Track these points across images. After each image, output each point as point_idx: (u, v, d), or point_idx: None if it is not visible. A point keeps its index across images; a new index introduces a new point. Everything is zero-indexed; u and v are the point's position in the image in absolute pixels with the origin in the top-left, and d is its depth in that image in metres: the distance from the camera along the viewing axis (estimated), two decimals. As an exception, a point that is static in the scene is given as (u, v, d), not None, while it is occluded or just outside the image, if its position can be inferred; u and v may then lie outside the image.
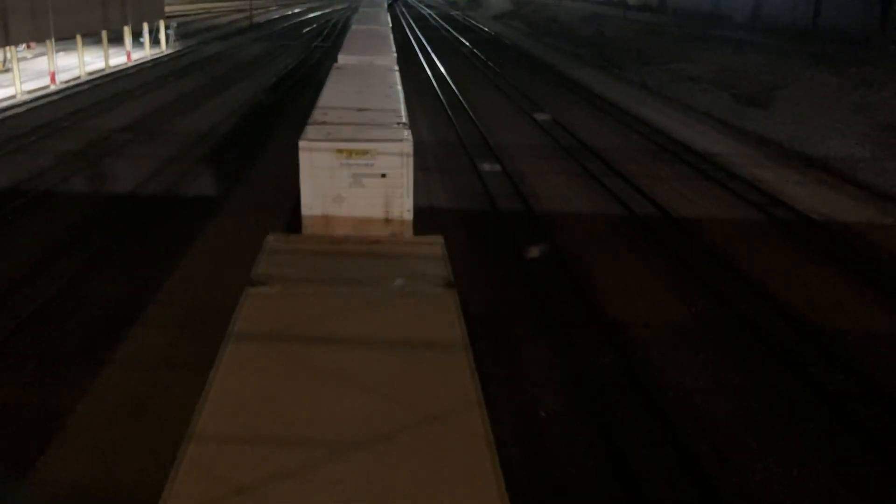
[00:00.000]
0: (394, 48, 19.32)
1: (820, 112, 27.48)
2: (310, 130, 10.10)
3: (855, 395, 10.78)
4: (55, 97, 30.84)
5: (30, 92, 31.05)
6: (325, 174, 9.65)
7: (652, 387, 10.84)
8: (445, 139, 25.87)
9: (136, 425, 9.60)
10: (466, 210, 18.59)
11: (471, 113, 29.96)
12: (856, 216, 18.74)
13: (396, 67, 15.01)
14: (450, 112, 30.12)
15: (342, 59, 16.09)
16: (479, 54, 50.50)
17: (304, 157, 9.61)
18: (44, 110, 28.29)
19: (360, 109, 11.16)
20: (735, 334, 12.58)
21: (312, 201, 9.65)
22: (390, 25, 31.35)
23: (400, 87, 12.67)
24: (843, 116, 26.45)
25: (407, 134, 9.76)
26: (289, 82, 37.05)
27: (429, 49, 52.55)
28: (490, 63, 45.85)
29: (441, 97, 33.58)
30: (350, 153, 9.22)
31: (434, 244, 8.18)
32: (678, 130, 27.98)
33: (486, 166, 22.20)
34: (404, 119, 10.54)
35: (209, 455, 4.35)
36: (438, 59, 47.10)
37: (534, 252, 15.76)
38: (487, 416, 4.96)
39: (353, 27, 28.00)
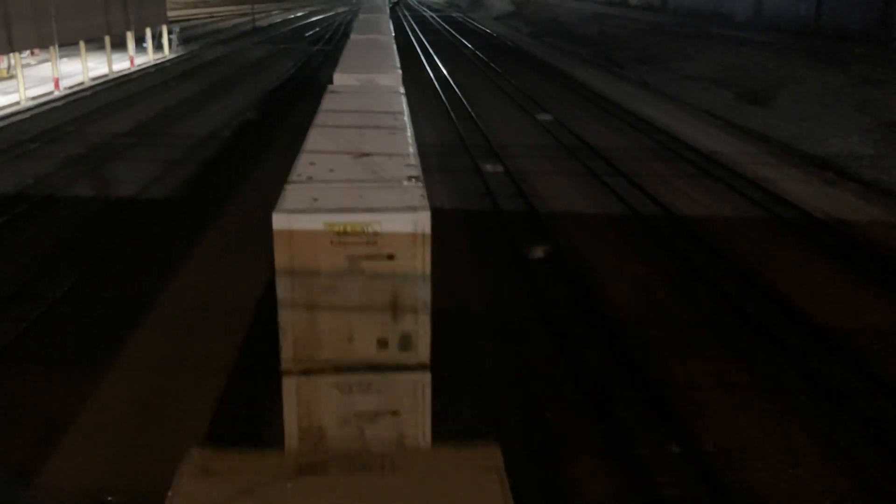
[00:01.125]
0: (398, 63, 17.05)
1: (822, 109, 27.46)
2: (290, 194, 6.97)
3: (861, 392, 10.78)
4: (59, 103, 30.96)
5: (34, 98, 31.17)
6: (308, 256, 6.64)
7: (656, 383, 10.86)
8: (447, 139, 25.92)
9: (142, 429, 9.64)
10: (469, 210, 18.63)
11: (472, 113, 30.00)
12: (859, 214, 18.73)
13: (402, 89, 12.72)
14: (451, 112, 30.17)
15: (338, 78, 13.94)
16: (480, 55, 50.53)
17: (280, 237, 6.53)
18: (48, 116, 28.40)
19: (358, 155, 8.30)
20: (739, 332, 12.59)
21: (292, 295, 6.62)
22: (393, 34, 28.40)
23: (408, 118, 10.28)
24: (846, 114, 26.42)
25: (422, 197, 6.88)
26: (291, 86, 37.14)
27: (430, 50, 52.61)
28: (492, 63, 45.88)
29: (443, 97, 33.63)
30: (344, 229, 6.69)
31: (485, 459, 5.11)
32: (680, 129, 27.98)
33: (489, 166, 22.24)
34: (417, 171, 7.68)
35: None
36: (440, 59, 47.15)
37: (537, 252, 15.80)
38: None
39: (353, 36, 25.68)
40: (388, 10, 53.01)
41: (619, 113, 31.41)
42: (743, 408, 10.45)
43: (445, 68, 43.24)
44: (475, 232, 17.16)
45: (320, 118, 10.17)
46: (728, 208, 19.04)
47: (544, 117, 29.89)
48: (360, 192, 7.05)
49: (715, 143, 26.01)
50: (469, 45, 57.01)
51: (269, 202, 6.67)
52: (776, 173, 22.10)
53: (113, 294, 13.56)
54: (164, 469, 4.26)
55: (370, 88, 13.24)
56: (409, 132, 9.41)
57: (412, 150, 8.59)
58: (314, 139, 9.08)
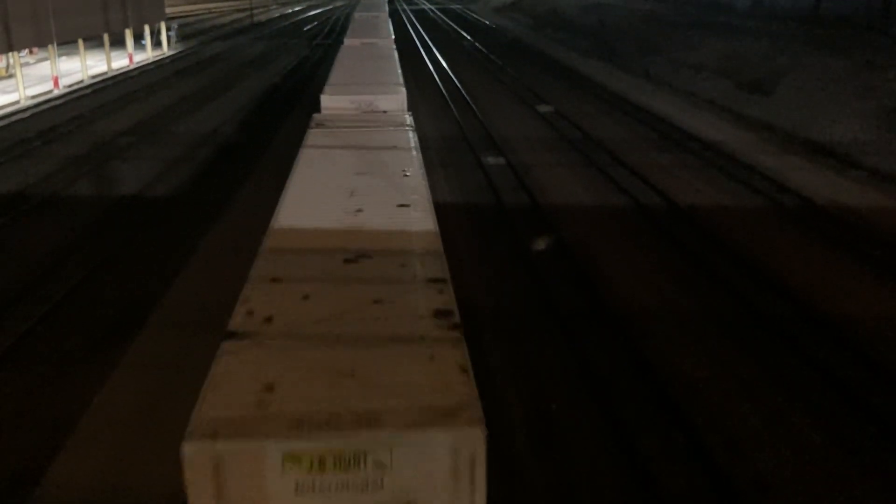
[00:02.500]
0: (401, 76, 14.21)
1: (824, 97, 27.34)
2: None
3: (864, 379, 10.76)
4: (59, 101, 30.93)
5: (33, 97, 31.15)
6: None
7: (660, 374, 10.84)
8: (448, 133, 25.86)
9: (148, 428, 9.64)
10: (471, 203, 18.59)
11: (473, 106, 29.93)
12: (863, 201, 18.67)
13: (411, 120, 10.23)
14: (452, 106, 30.10)
15: (326, 101, 11.56)
16: (480, 47, 50.41)
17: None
18: (48, 115, 28.37)
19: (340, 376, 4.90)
20: (742, 321, 12.56)
21: None
22: (393, 36, 25.24)
23: (426, 187, 7.19)
24: (848, 101, 26.30)
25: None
26: (290, 83, 37.07)
27: (430, 43, 52.49)
28: (492, 56, 45.78)
29: (443, 91, 33.56)
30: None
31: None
32: (682, 119, 27.90)
33: (490, 159, 22.19)
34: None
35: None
36: (440, 53, 47.05)
37: (540, 244, 15.77)
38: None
39: (347, 41, 22.45)
40: (386, 7, 48.61)
41: (620, 104, 31.31)
42: (749, 398, 10.42)
43: (445, 61, 43.14)
44: (478, 226, 17.13)
45: (290, 195, 6.80)
46: (731, 198, 18.99)
47: (545, 109, 29.81)
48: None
49: (717, 132, 25.93)
50: (468, 38, 56.86)
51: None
52: (779, 162, 22.04)
53: (116, 294, 13.55)
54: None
55: (367, 121, 10.59)
56: (433, 223, 5.96)
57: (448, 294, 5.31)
58: (262, 267, 6.20)
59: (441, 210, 6.86)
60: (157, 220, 17.37)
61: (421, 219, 6.89)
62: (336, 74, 14.56)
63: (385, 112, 11.64)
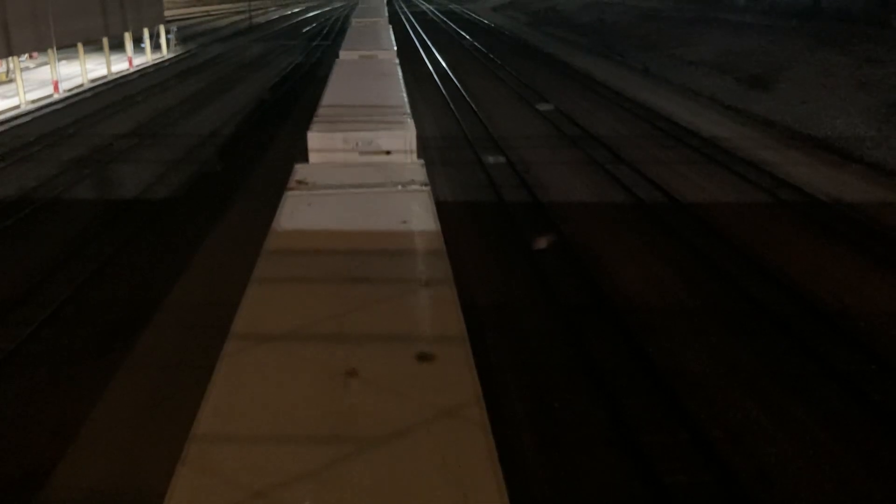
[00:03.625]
0: (408, 105, 11.74)
1: (824, 91, 27.32)
2: None
3: (869, 373, 10.75)
4: (59, 105, 30.96)
5: (34, 101, 31.18)
6: None
7: (664, 372, 10.84)
8: (449, 132, 25.86)
9: (152, 429, 9.65)
10: (472, 202, 18.59)
11: (473, 105, 29.93)
12: (864, 195, 18.65)
13: (432, 204, 7.50)
14: (452, 105, 30.09)
15: (313, 140, 9.89)
16: (479, 46, 50.41)
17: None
18: (48, 119, 28.40)
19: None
20: (745, 314, 12.55)
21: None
22: (395, 47, 21.17)
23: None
24: (848, 95, 26.29)
25: None
26: (289, 84, 37.07)
27: (429, 43, 52.49)
28: (491, 55, 45.77)
29: (443, 90, 33.56)
30: None
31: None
32: (682, 115, 27.89)
33: (491, 158, 22.19)
34: None
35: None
36: (439, 52, 47.05)
37: (541, 242, 15.76)
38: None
39: (342, 55, 18.83)
40: (386, 11, 42.64)
41: (620, 101, 31.30)
42: (752, 392, 10.42)
43: (444, 60, 43.15)
44: (480, 224, 17.12)
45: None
46: (732, 193, 18.98)
47: (545, 107, 29.80)
48: None
49: (717, 128, 25.91)
50: (467, 37, 56.87)
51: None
52: (779, 157, 22.02)
53: (119, 295, 13.57)
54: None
55: (363, 183, 7.93)
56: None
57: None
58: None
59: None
60: (159, 220, 17.38)
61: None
62: (328, 101, 11.81)
63: (388, 153, 9.61)
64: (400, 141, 9.67)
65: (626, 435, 9.49)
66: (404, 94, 12.89)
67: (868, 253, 15.16)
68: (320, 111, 11.31)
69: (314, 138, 9.71)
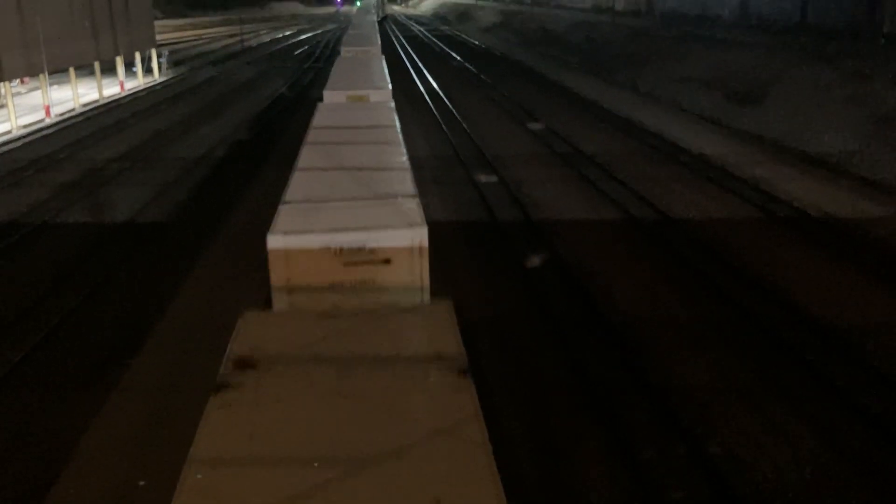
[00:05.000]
0: (416, 194, 8.35)
1: (813, 107, 27.51)
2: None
3: (865, 388, 10.75)
4: (50, 130, 30.95)
5: (25, 126, 31.16)
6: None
7: (660, 387, 10.82)
8: (441, 152, 25.93)
9: (145, 451, 9.56)
10: (465, 221, 18.61)
11: (465, 125, 30.05)
12: (854, 210, 18.75)
13: (453, 318, 6.16)
14: (444, 125, 30.20)
15: (283, 217, 7.55)
16: (469, 66, 50.71)
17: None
18: (40, 144, 28.38)
19: None
20: (742, 332, 12.56)
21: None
22: (390, 85, 17.30)
23: None
24: (836, 110, 26.48)
25: None
26: (281, 105, 37.18)
27: (420, 64, 52.77)
28: (482, 75, 46.03)
29: (434, 111, 33.69)
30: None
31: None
32: (672, 132, 28.05)
33: (483, 177, 22.25)
34: None
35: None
36: (429, 73, 47.29)
37: (535, 260, 15.77)
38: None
39: (327, 95, 15.77)
40: (378, 38, 36.34)
41: (610, 118, 31.49)
42: (748, 408, 10.40)
43: (436, 81, 43.36)
44: (473, 242, 17.13)
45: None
46: (724, 209, 19.06)
47: (536, 126, 29.95)
48: None
49: (707, 144, 26.06)
50: (458, 58, 57.21)
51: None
52: (770, 172, 22.14)
53: (111, 319, 13.50)
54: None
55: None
56: None
57: None
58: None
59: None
60: (150, 244, 17.34)
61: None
62: (299, 182, 8.57)
63: (388, 262, 6.99)
64: (404, 243, 6.90)
65: (623, 448, 9.45)
66: (406, 160, 9.66)
67: (860, 267, 15.21)
68: (289, 194, 8.06)
69: (277, 242, 6.75)
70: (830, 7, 44.31)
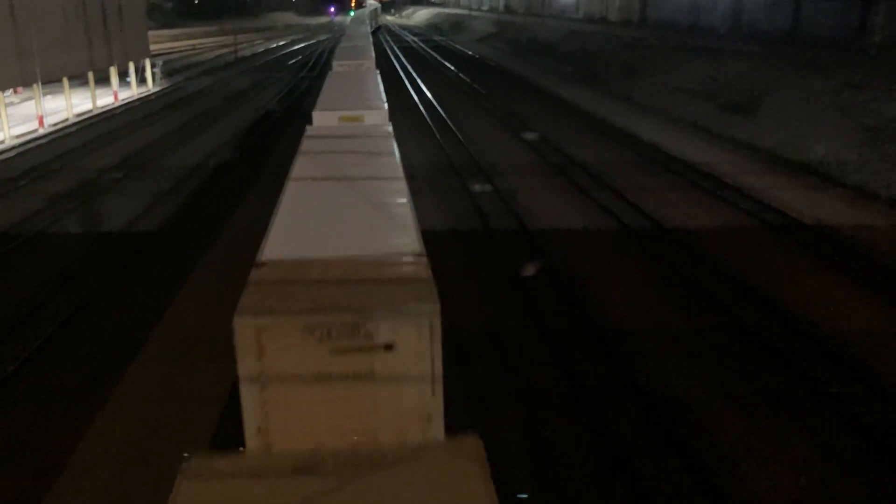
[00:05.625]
0: (426, 262, 6.47)
1: (806, 116, 27.66)
2: None
3: (859, 396, 10.76)
4: (44, 140, 30.88)
5: (18, 136, 31.09)
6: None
7: (655, 395, 10.81)
8: (435, 161, 25.96)
9: (139, 465, 9.50)
10: (459, 230, 18.62)
11: (459, 135, 30.10)
12: (847, 218, 18.82)
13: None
14: (438, 135, 30.25)
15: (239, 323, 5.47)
16: (464, 77, 50.84)
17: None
18: (33, 153, 28.31)
19: None
20: (736, 340, 12.57)
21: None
22: (386, 105, 15.14)
23: None
24: (829, 120, 26.62)
25: None
26: (275, 116, 37.19)
27: (414, 74, 52.88)
28: (476, 85, 46.15)
29: (429, 121, 33.74)
30: None
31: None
32: (666, 142, 28.15)
33: (477, 186, 22.28)
34: None
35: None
36: (424, 83, 47.39)
37: (529, 269, 15.77)
38: None
39: (316, 118, 14.38)
40: (373, 52, 33.32)
41: (604, 128, 31.59)
42: (743, 417, 10.40)
43: (430, 91, 43.44)
44: (467, 251, 17.14)
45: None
46: (717, 218, 19.11)
47: (530, 136, 30.01)
48: None
49: (701, 154, 26.15)
50: (452, 68, 57.35)
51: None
52: (763, 181, 22.22)
53: (104, 330, 13.44)
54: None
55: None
56: None
57: None
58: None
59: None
60: (145, 254, 17.29)
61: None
62: (274, 244, 6.94)
63: (390, 348, 5.74)
64: (411, 323, 5.55)
65: (619, 460, 9.43)
66: (409, 203, 7.98)
67: (853, 275, 15.26)
68: (266, 251, 6.66)
69: (246, 324, 5.42)
70: (822, 17, 44.63)
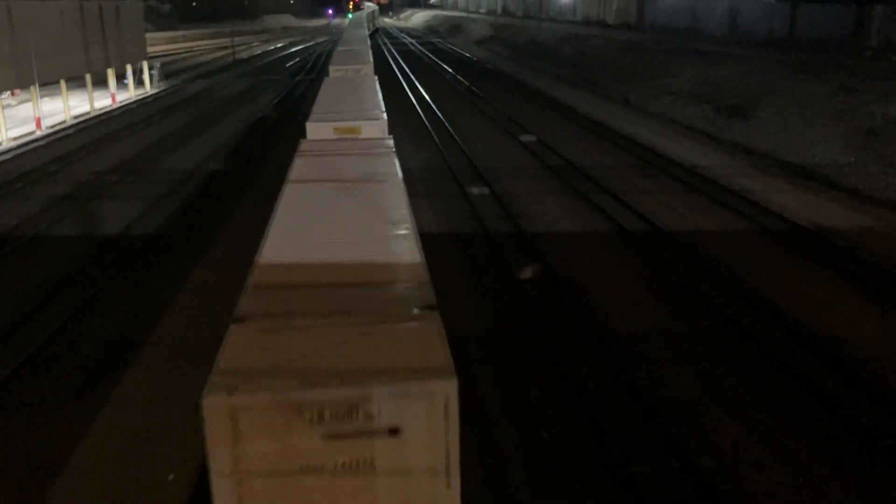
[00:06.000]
0: (439, 323, 5.55)
1: (802, 120, 27.73)
2: None
3: (858, 400, 10.78)
4: (41, 142, 30.84)
5: (15, 139, 31.04)
6: None
7: (651, 396, 10.82)
8: (432, 164, 25.97)
9: (136, 467, 9.50)
10: (457, 233, 18.63)
11: (456, 137, 30.12)
12: (844, 221, 18.87)
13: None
14: (435, 137, 30.26)
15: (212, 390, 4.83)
16: (461, 79, 50.87)
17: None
18: (31, 156, 28.27)
19: None
20: (734, 344, 12.58)
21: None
22: (386, 116, 14.72)
23: None
24: (826, 123, 26.69)
25: None
26: (273, 118, 37.19)
27: (412, 76, 52.92)
28: (473, 87, 46.18)
29: (426, 123, 33.76)
30: None
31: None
32: (663, 145, 28.19)
33: (475, 189, 22.29)
34: None
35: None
36: (421, 85, 47.42)
37: (527, 272, 15.78)
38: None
39: (310, 131, 13.76)
40: (371, 57, 31.71)
41: (601, 131, 31.62)
42: (741, 421, 10.41)
43: (428, 94, 43.47)
44: (464, 255, 17.15)
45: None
46: (715, 221, 19.14)
47: (528, 138, 30.03)
48: None
49: (698, 157, 26.20)
50: (450, 70, 57.39)
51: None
52: (760, 184, 22.27)
53: (101, 334, 13.43)
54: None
55: None
56: None
57: None
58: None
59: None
60: (142, 257, 17.28)
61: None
62: (267, 267, 6.63)
63: (396, 432, 5.05)
64: (421, 402, 4.69)
65: (616, 463, 9.44)
66: (415, 237, 7.21)
67: (851, 278, 15.28)
68: (244, 305, 5.86)
69: (217, 403, 4.54)
70: (818, 21, 44.77)
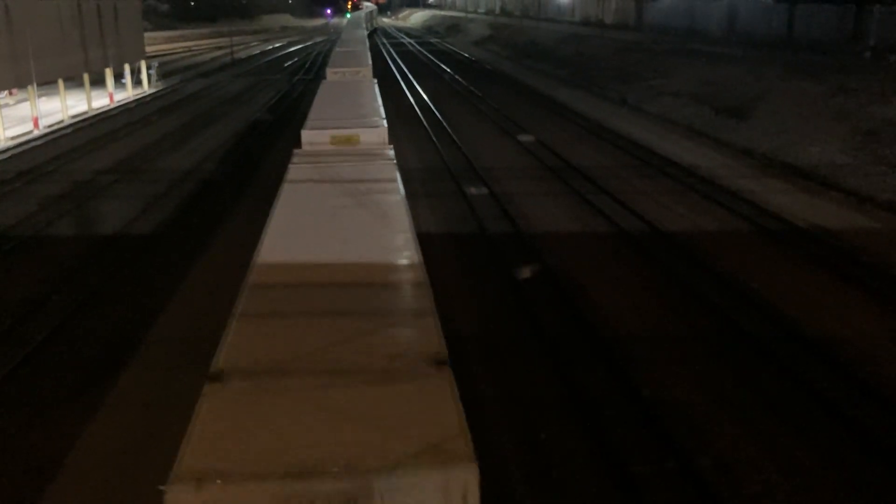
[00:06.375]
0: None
1: (800, 120, 27.73)
2: None
3: (855, 400, 10.78)
4: (39, 142, 30.78)
5: (13, 138, 30.97)
6: None
7: (650, 396, 10.81)
8: (431, 164, 25.96)
9: (134, 469, 9.47)
10: (455, 234, 18.62)
11: (455, 138, 30.10)
12: (842, 222, 18.87)
13: None
14: (434, 137, 30.25)
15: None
16: (460, 79, 50.86)
17: None
18: (28, 155, 28.21)
19: None
20: (732, 345, 12.58)
21: None
22: (386, 123, 13.84)
23: None
24: (824, 124, 26.70)
25: None
26: (271, 118, 37.17)
27: (410, 76, 52.89)
28: (472, 88, 46.17)
29: (425, 123, 33.74)
30: None
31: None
32: (661, 146, 28.19)
33: (473, 189, 22.27)
34: None
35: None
36: (420, 85, 47.40)
37: (525, 273, 15.77)
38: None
39: (305, 139, 12.95)
40: (370, 59, 30.84)
41: (600, 132, 31.62)
42: (738, 421, 10.40)
43: (426, 94, 43.46)
44: (462, 255, 17.13)
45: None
46: (713, 222, 19.13)
47: (526, 139, 30.03)
48: None
49: (696, 157, 26.20)
50: (448, 70, 57.39)
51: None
52: (758, 185, 22.27)
53: (99, 334, 13.39)
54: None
55: None
56: None
57: None
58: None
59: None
60: (140, 257, 17.24)
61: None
62: (248, 317, 5.91)
63: None
64: (434, 491, 4.00)
65: (613, 463, 9.43)
66: (422, 266, 6.75)
67: (849, 279, 15.29)
68: (223, 358, 5.28)
69: (183, 491, 3.98)
70: (816, 22, 44.79)
